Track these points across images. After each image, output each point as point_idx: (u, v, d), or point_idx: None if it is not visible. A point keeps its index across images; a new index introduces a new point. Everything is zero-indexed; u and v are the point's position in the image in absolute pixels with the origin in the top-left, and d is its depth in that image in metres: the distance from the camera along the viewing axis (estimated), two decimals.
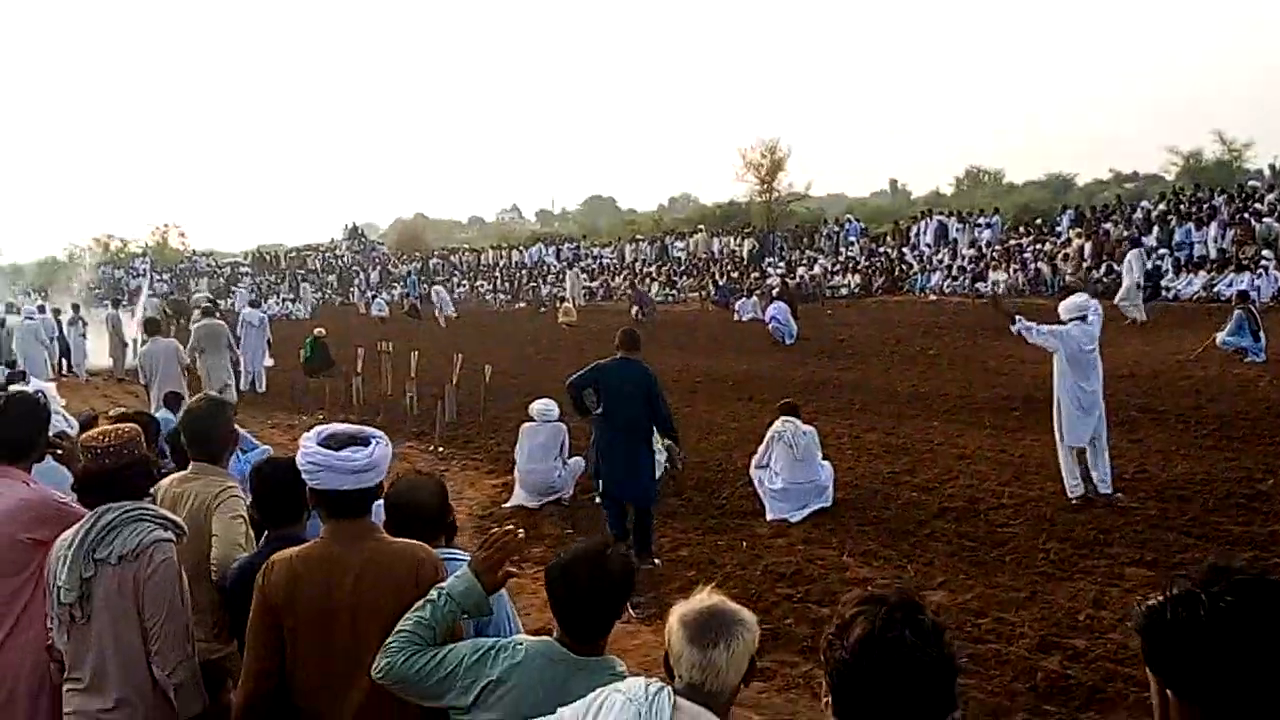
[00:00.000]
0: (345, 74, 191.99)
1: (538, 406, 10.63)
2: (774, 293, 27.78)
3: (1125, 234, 27.37)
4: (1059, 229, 31.54)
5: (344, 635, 3.04)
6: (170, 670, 3.44)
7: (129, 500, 3.53)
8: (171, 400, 10.78)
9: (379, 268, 56.16)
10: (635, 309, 30.77)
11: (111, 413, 5.67)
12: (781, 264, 37.44)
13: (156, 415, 8.40)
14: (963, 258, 32.07)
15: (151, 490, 3.90)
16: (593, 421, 8.63)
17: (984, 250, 31.84)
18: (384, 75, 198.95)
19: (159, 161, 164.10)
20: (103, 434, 3.61)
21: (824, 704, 2.00)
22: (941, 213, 37.28)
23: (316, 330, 23.80)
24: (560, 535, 9.24)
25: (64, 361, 25.05)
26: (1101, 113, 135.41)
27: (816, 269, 35.53)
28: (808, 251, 38.74)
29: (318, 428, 3.25)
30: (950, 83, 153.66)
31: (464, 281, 50.41)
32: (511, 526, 3.18)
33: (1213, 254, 25.66)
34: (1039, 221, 33.83)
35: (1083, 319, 9.42)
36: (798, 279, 33.60)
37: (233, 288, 51.21)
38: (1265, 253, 23.83)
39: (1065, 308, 9.59)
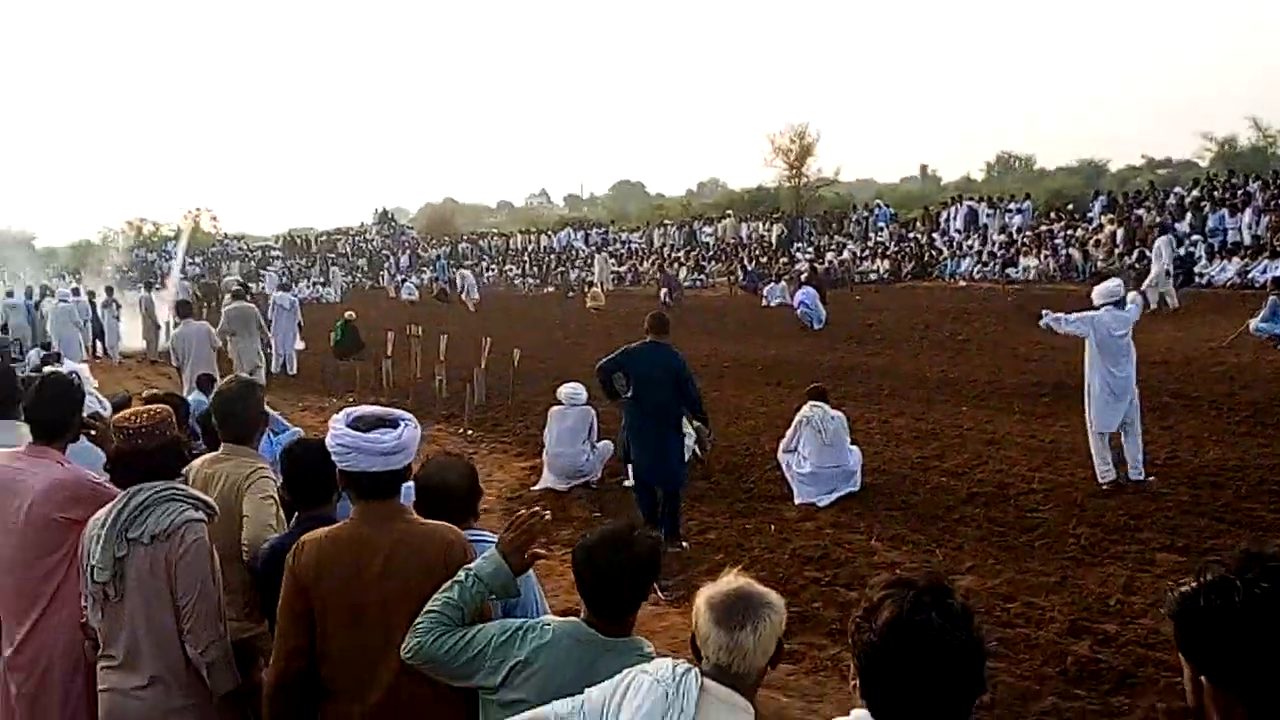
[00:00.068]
0: (376, 59, 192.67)
1: (566, 390, 10.65)
2: (802, 278, 27.68)
3: (1158, 220, 27.09)
4: (1090, 215, 31.22)
5: (373, 615, 3.06)
6: (203, 649, 3.47)
7: (161, 480, 3.56)
8: (204, 382, 10.85)
9: (408, 252, 56.31)
10: (664, 291, 30.75)
11: (144, 394, 5.72)
12: (810, 249, 37.28)
13: (189, 397, 8.49)
14: (993, 243, 31.83)
15: (183, 471, 3.93)
16: (622, 406, 8.64)
17: (1014, 236, 31.59)
18: (415, 60, 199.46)
19: (191, 146, 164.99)
20: (135, 415, 3.64)
21: (852, 686, 1.99)
22: (972, 198, 36.99)
23: (347, 313, 23.93)
24: (588, 518, 9.27)
25: (98, 343, 25.32)
26: (1135, 98, 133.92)
27: (845, 254, 35.37)
28: (837, 237, 38.56)
29: (347, 410, 3.26)
30: (981, 68, 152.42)
31: (493, 266, 50.50)
32: (539, 509, 3.19)
33: (1247, 240, 25.34)
34: (1070, 207, 33.50)
35: (1117, 304, 9.38)
36: (826, 264, 33.46)
37: (262, 271, 51.49)
38: None
39: (1098, 293, 9.58)
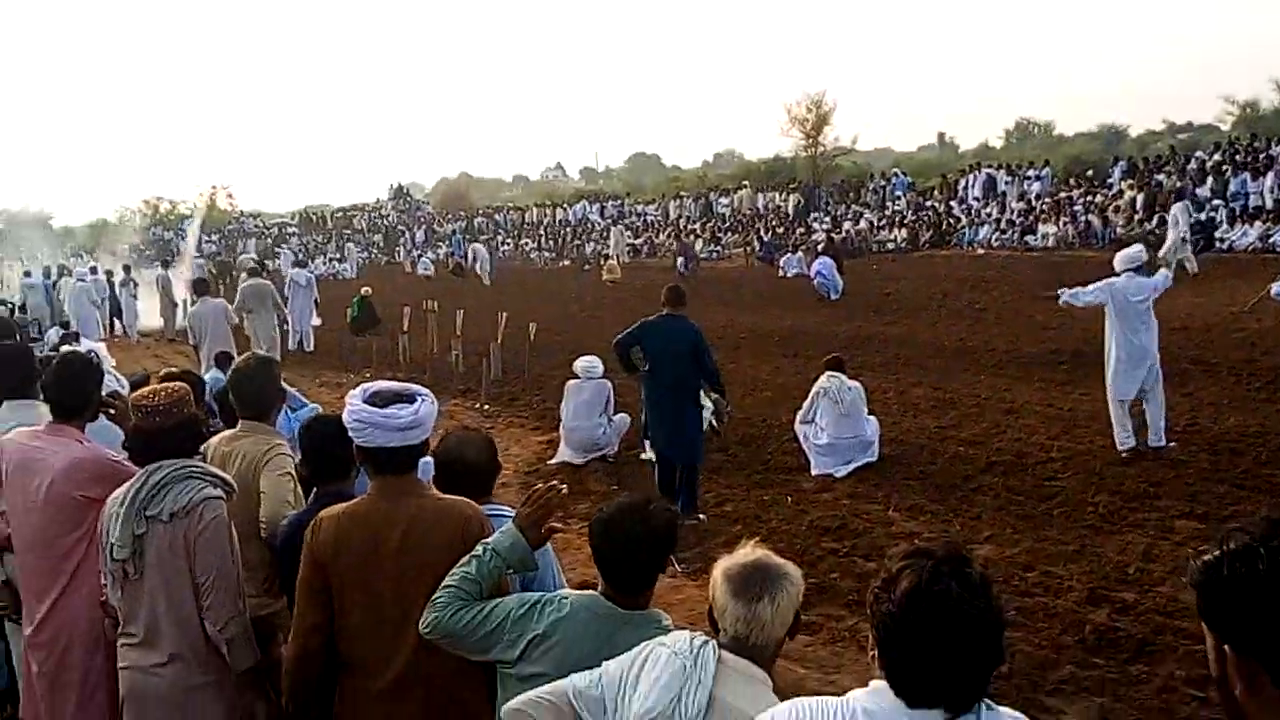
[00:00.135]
0: (390, 34, 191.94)
1: (582, 364, 10.64)
2: (819, 248, 27.57)
3: (1178, 185, 26.83)
4: (1110, 181, 30.96)
5: (391, 590, 3.07)
6: (222, 626, 3.49)
7: (179, 458, 3.57)
8: (223, 360, 10.87)
9: (424, 227, 56.29)
10: (679, 260, 30.66)
11: (161, 373, 5.74)
12: (827, 219, 37.08)
13: (208, 375, 8.53)
14: (1012, 211, 31.62)
15: (201, 449, 3.94)
16: (641, 379, 8.64)
17: (1033, 203, 31.36)
18: (429, 35, 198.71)
19: (207, 124, 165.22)
20: (153, 393, 3.65)
21: (870, 657, 1.99)
22: (990, 165, 36.71)
23: (363, 289, 23.97)
24: (605, 492, 9.27)
25: (115, 322, 25.44)
26: (1155, 62, 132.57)
27: (863, 224, 35.20)
28: (854, 206, 38.32)
29: (363, 385, 3.26)
30: (999, 33, 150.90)
31: (508, 240, 50.46)
32: (556, 482, 3.18)
33: (1269, 204, 25.09)
34: (1090, 174, 33.20)
35: (1138, 270, 9.33)
36: (843, 234, 33.30)
37: (278, 248, 51.58)
38: None
39: (1120, 258, 9.58)
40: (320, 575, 3.13)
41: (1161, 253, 20.49)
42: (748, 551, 2.54)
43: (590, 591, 2.93)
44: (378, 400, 3.15)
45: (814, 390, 9.72)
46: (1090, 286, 9.54)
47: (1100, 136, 53.36)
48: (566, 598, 2.91)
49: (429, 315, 18.04)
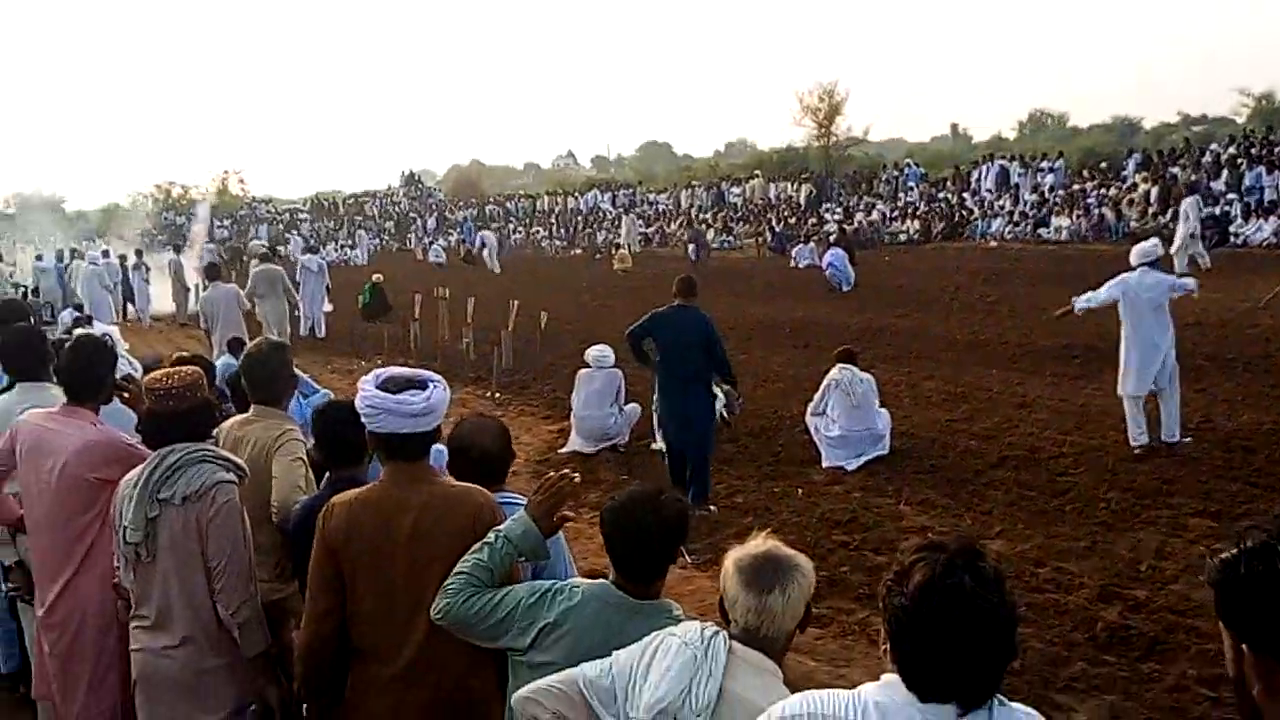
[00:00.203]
0: (402, 20, 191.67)
1: (593, 353, 10.64)
2: (831, 239, 27.54)
3: (1193, 178, 26.67)
4: (1124, 173, 30.83)
5: (403, 576, 3.07)
6: (234, 609, 3.51)
7: (192, 442, 3.58)
8: (235, 345, 10.88)
9: (436, 214, 56.39)
10: (690, 247, 30.59)
11: (172, 357, 5.75)
12: (839, 210, 37.05)
13: (220, 360, 8.54)
14: (1025, 203, 31.55)
15: (213, 433, 3.95)
16: (654, 369, 8.64)
17: (1047, 195, 31.26)
18: (440, 22, 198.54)
19: (219, 109, 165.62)
20: (166, 376, 3.65)
21: (882, 651, 1.98)
22: (1003, 157, 36.56)
23: (375, 276, 23.99)
24: (616, 481, 9.27)
25: (128, 306, 25.51)
26: (1170, 54, 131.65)
27: (875, 215, 35.16)
28: (866, 197, 38.27)
29: (376, 371, 3.26)
30: (1013, 24, 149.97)
31: (519, 228, 50.48)
32: (568, 471, 3.18)
33: None
34: (1104, 166, 33.06)
35: (1152, 264, 9.29)
36: (856, 225, 33.26)
37: (289, 234, 51.70)
38: None
39: (1135, 253, 9.56)
40: (332, 561, 3.13)
41: (1173, 249, 20.38)
42: (759, 543, 2.53)
43: (601, 580, 2.92)
44: (390, 386, 3.15)
45: (826, 382, 9.69)
46: (1103, 287, 9.49)
47: (1114, 129, 53.07)
48: (578, 586, 2.90)
49: (440, 302, 18.05)
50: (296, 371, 4.85)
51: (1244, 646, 1.58)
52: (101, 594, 3.92)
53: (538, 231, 48.77)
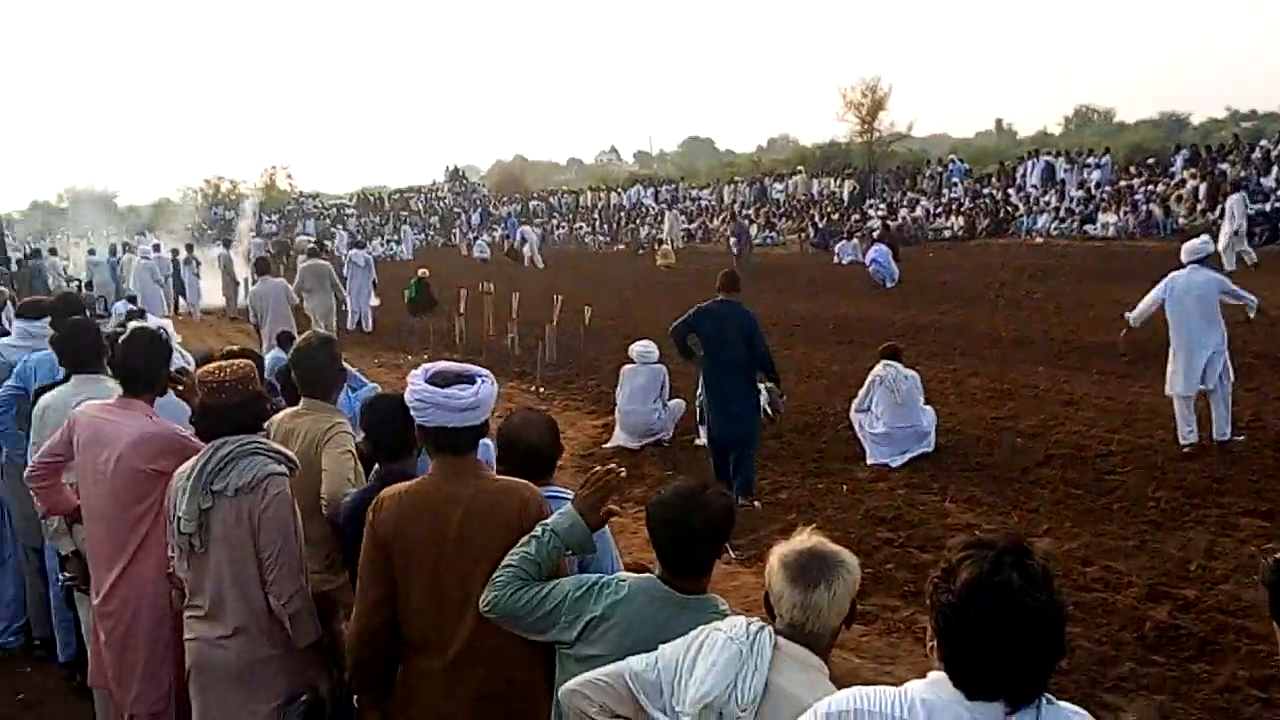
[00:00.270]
0: (448, 17, 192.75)
1: (638, 348, 10.66)
2: (875, 235, 27.39)
3: (1242, 174, 26.23)
4: (1172, 170, 30.35)
5: (452, 569, 3.10)
6: (285, 600, 3.55)
7: (244, 434, 3.63)
8: (284, 339, 10.98)
9: (480, 210, 56.64)
10: (732, 241, 30.51)
11: (222, 350, 5.82)
12: (883, 206, 36.81)
13: (269, 354, 8.63)
14: (1071, 199, 31.17)
15: (264, 425, 4.00)
16: (698, 364, 8.65)
17: (1093, 192, 30.87)
18: (486, 18, 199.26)
19: (268, 106, 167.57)
20: (219, 369, 3.70)
21: (929, 648, 1.98)
22: (1049, 153, 36.18)
23: (420, 271, 24.17)
24: (660, 476, 9.27)
25: (179, 300, 25.85)
26: (1218, 48, 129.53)
27: (919, 211, 34.87)
28: (910, 193, 37.94)
29: (425, 365, 3.29)
30: (1059, 18, 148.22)
31: (563, 224, 50.59)
32: (614, 465, 3.20)
33: None
34: (1151, 162, 32.54)
35: (1202, 262, 9.18)
36: (899, 221, 33.05)
37: (335, 229, 52.14)
38: None
39: (1186, 250, 9.44)
40: (382, 553, 3.17)
41: (1220, 247, 20.01)
42: (805, 538, 2.53)
43: (648, 574, 2.94)
44: (439, 380, 3.18)
45: (870, 378, 9.65)
46: (1150, 293, 9.40)
47: (1162, 124, 52.42)
48: (624, 581, 2.92)
49: (485, 297, 18.15)
50: (345, 365, 4.89)
51: None
52: (156, 583, 3.98)
53: (581, 227, 48.87)
